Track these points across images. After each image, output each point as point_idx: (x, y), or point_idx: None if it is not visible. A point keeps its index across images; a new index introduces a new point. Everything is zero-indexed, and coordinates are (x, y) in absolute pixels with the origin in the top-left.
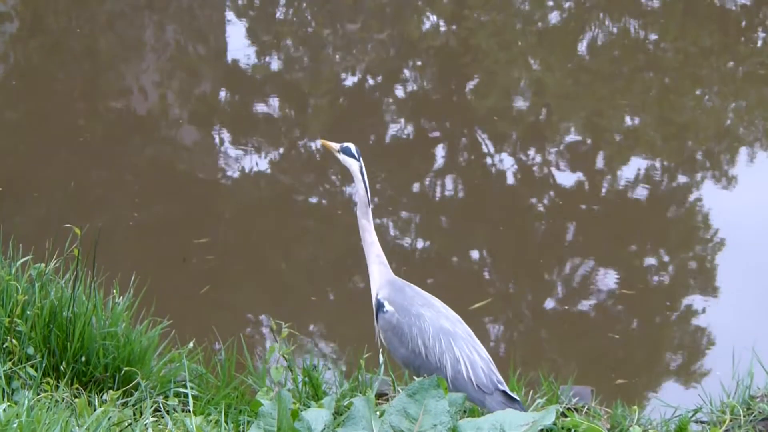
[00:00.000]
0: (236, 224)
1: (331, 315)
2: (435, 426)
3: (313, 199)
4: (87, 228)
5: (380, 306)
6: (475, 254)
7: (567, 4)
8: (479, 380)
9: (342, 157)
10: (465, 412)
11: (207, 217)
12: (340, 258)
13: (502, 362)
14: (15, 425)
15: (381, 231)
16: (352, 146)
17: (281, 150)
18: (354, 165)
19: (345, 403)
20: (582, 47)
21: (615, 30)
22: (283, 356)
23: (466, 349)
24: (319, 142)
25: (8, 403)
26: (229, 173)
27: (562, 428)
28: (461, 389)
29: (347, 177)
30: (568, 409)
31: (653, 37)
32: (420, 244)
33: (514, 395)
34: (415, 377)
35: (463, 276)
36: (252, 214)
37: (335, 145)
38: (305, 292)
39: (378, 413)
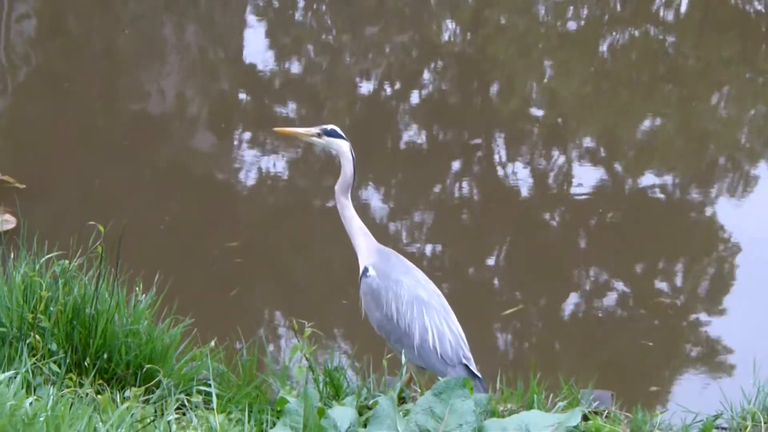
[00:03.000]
0: (258, 226)
1: (353, 317)
2: (461, 425)
3: (331, 202)
4: (110, 226)
5: (365, 271)
6: (496, 260)
7: (585, 12)
8: (444, 351)
9: (327, 140)
10: (491, 412)
11: (229, 219)
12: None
13: (524, 366)
14: (42, 419)
15: (397, 236)
16: (336, 127)
17: (299, 152)
18: (344, 145)
19: (367, 404)
20: (601, 55)
21: (635, 37)
22: (305, 356)
23: (436, 320)
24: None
25: (34, 398)
26: (247, 176)
27: (584, 431)
28: (425, 358)
29: (332, 166)
30: (589, 412)
31: (673, 44)
32: (439, 249)
33: (477, 373)
34: (387, 343)
35: (484, 282)
36: (272, 216)
37: (311, 130)
38: (328, 293)
39: (401, 413)
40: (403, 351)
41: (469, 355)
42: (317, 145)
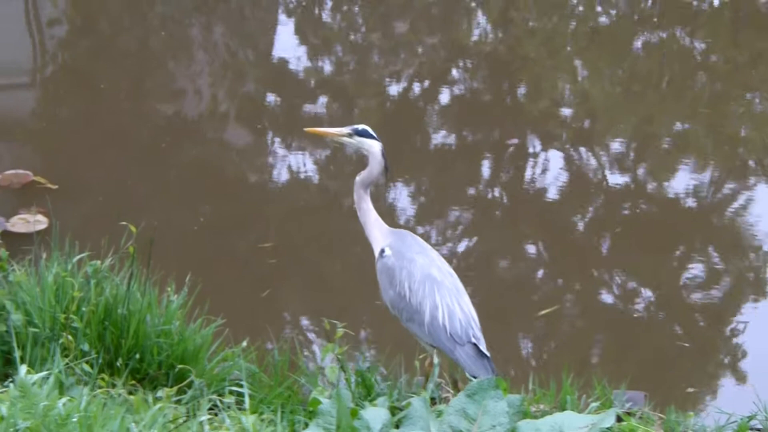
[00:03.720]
0: (291, 227)
1: (385, 318)
2: (494, 427)
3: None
4: (142, 226)
5: (381, 252)
6: (530, 260)
7: (614, 11)
8: (454, 329)
9: (358, 140)
10: (524, 413)
11: (262, 220)
12: None
13: (556, 366)
14: (75, 419)
15: (429, 235)
16: (367, 127)
17: (331, 153)
18: (376, 146)
19: (398, 404)
20: (631, 53)
21: (664, 36)
22: (337, 357)
23: (447, 298)
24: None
25: (67, 398)
26: (279, 176)
27: None
28: (435, 335)
29: (364, 167)
30: (623, 413)
31: (703, 43)
32: (472, 248)
33: (486, 352)
34: (401, 323)
35: (518, 282)
36: (305, 217)
37: (342, 130)
38: (360, 294)
39: (434, 414)
40: (412, 329)
41: (480, 335)
42: (348, 145)
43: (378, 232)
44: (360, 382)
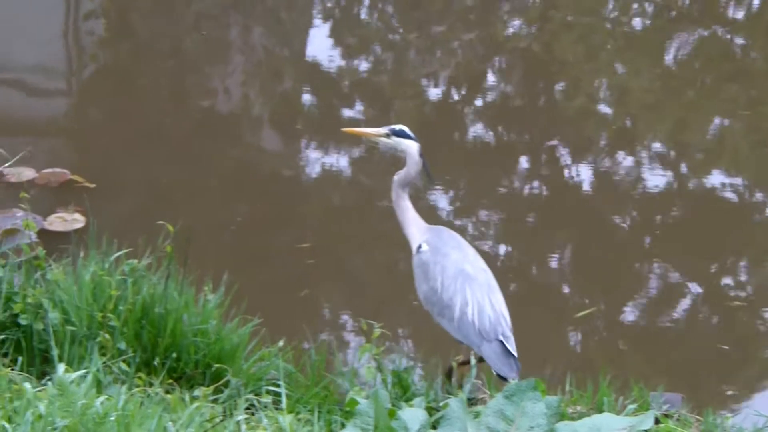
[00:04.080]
0: (329, 227)
1: (422, 318)
2: (532, 428)
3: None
4: (179, 225)
5: (419, 248)
6: (566, 262)
7: (651, 9)
8: (482, 326)
9: (396, 140)
10: (562, 415)
11: (300, 220)
12: None
13: (592, 368)
14: (112, 418)
15: (465, 236)
16: (405, 128)
17: (368, 153)
18: (413, 146)
19: (434, 405)
20: (668, 54)
21: (702, 37)
22: (374, 357)
23: (478, 294)
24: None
25: (105, 396)
26: (317, 177)
27: None
28: (464, 331)
29: (401, 166)
30: (660, 415)
31: (741, 44)
32: (509, 250)
33: (513, 351)
34: (432, 318)
35: (555, 284)
36: (344, 217)
37: (380, 130)
38: (397, 295)
39: (472, 414)
40: (442, 324)
41: (509, 334)
42: (386, 145)
43: (416, 229)
44: (396, 383)
